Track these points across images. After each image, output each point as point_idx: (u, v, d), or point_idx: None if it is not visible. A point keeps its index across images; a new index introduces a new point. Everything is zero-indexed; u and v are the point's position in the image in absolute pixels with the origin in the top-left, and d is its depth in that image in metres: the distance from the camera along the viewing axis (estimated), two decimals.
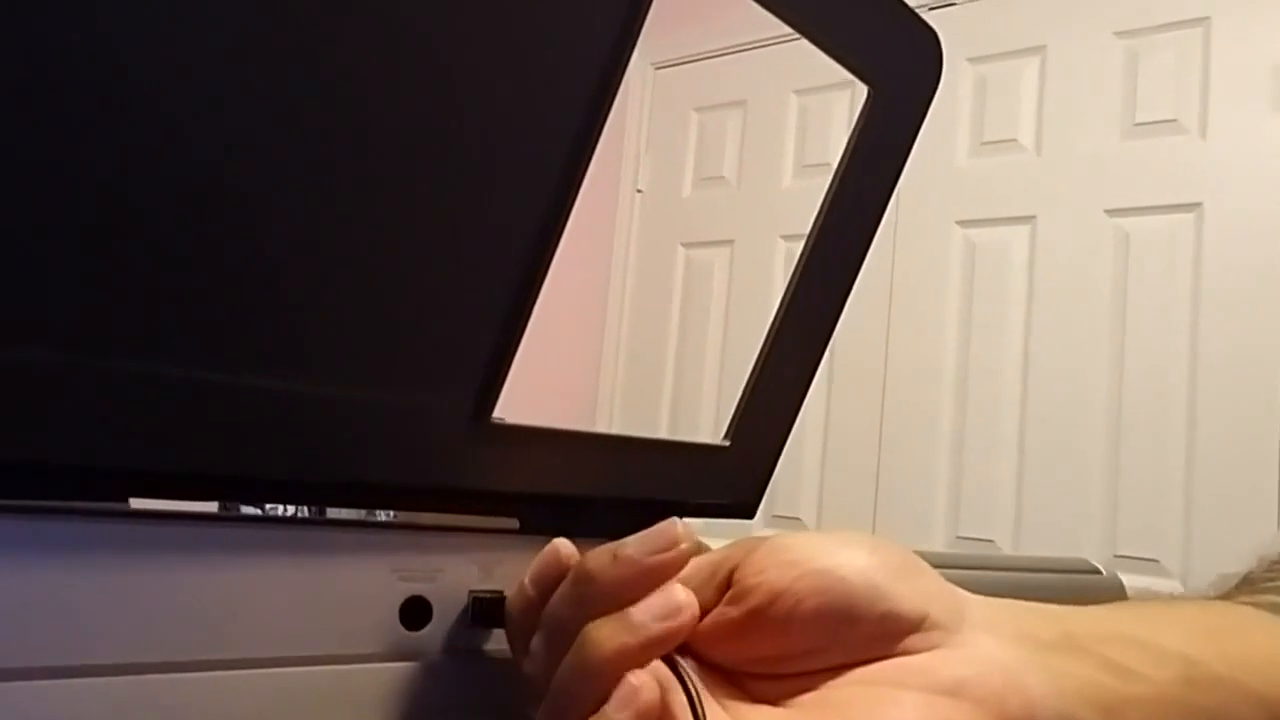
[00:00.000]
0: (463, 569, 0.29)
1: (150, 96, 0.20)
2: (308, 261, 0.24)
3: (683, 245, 2.18)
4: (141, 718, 0.22)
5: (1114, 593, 0.51)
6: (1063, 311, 1.65)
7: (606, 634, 0.24)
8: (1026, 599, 0.28)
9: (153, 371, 0.22)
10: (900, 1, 0.35)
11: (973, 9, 1.80)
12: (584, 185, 0.27)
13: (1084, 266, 1.64)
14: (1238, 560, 0.38)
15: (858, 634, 0.25)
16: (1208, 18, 1.57)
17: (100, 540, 0.23)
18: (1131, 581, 0.57)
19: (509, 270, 0.27)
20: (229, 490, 0.26)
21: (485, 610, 0.28)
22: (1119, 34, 1.65)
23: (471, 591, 0.29)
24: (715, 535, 0.34)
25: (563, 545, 0.27)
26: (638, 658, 0.24)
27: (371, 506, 0.32)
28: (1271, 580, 0.36)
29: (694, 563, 0.26)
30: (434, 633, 0.28)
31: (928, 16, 0.36)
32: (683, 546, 0.25)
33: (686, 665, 0.25)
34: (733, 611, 0.25)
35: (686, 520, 0.27)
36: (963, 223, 1.79)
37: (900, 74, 0.35)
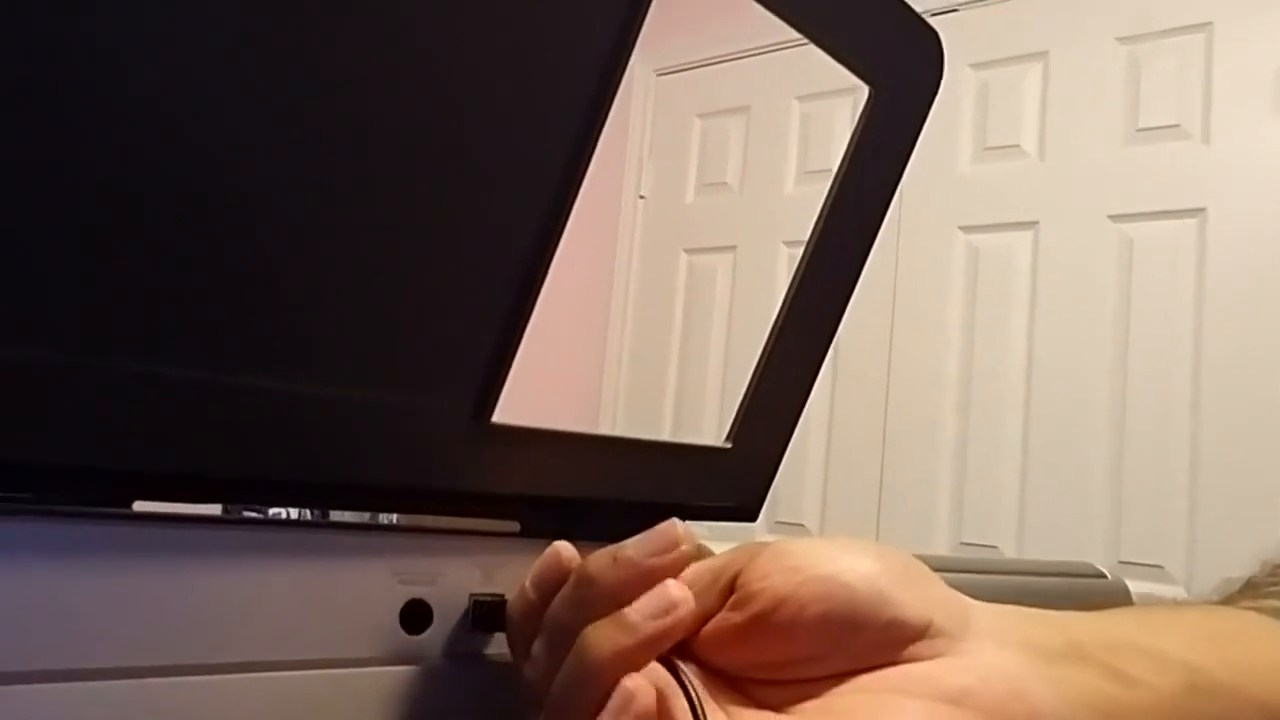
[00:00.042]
0: (463, 572, 0.29)
1: (150, 97, 0.20)
2: (309, 263, 0.24)
3: (685, 251, 2.19)
4: None
5: (1119, 597, 0.51)
6: (1066, 317, 1.65)
7: (603, 636, 0.24)
8: (1031, 603, 0.28)
9: (153, 372, 0.22)
10: (901, 1, 0.34)
11: (975, 15, 1.80)
12: (587, 191, 0.27)
13: (1087, 272, 1.63)
14: (1243, 565, 0.38)
15: (862, 641, 0.25)
16: (1210, 23, 1.57)
17: (102, 542, 0.22)
18: (1136, 587, 0.56)
19: (509, 271, 0.27)
20: (229, 492, 0.26)
21: (486, 614, 0.28)
22: (1121, 40, 1.65)
23: (472, 595, 0.29)
24: (718, 538, 0.34)
25: (564, 548, 0.27)
26: (635, 659, 0.24)
27: (371, 509, 0.32)
28: (1274, 584, 0.35)
29: (696, 568, 0.26)
30: (434, 636, 0.28)
31: (930, 21, 0.36)
32: (683, 548, 0.25)
33: (687, 669, 0.25)
34: (736, 617, 0.25)
35: (688, 523, 0.27)
36: (966, 228, 1.79)
37: (901, 74, 0.35)
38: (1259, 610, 0.32)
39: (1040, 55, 1.74)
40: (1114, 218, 1.63)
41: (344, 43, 0.22)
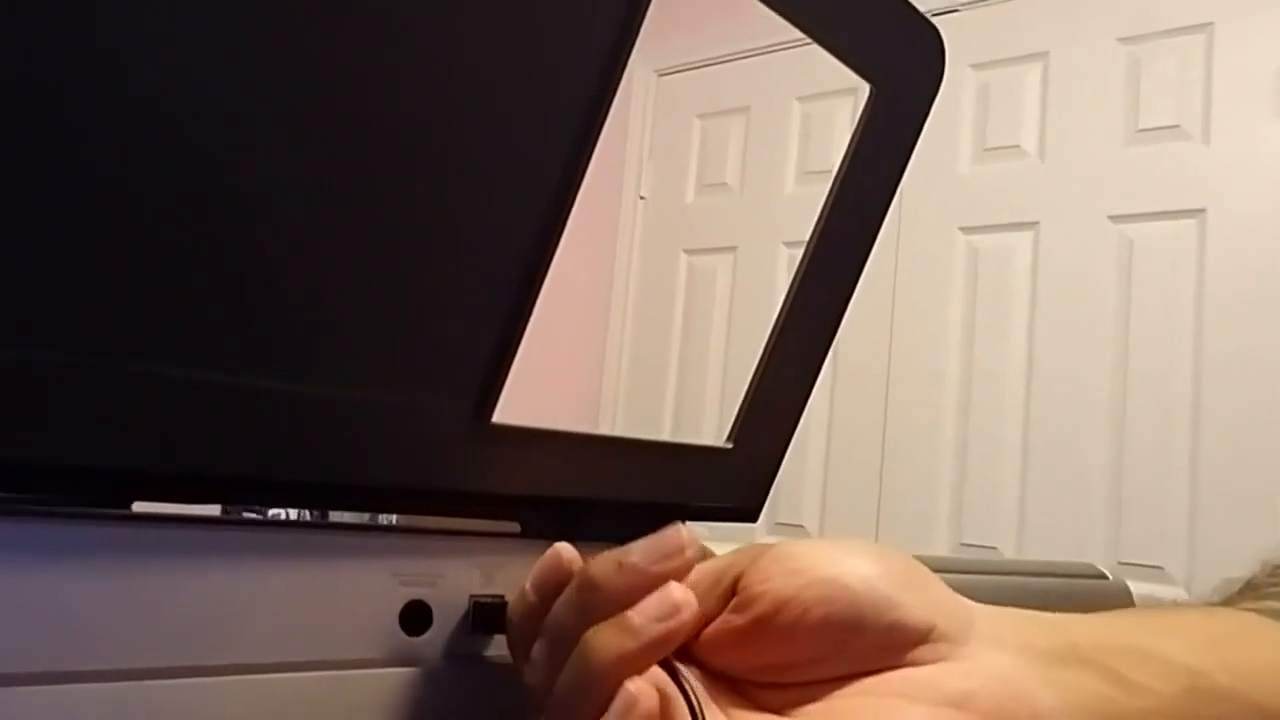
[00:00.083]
0: (463, 573, 0.28)
1: (150, 96, 0.20)
2: (309, 263, 0.24)
3: (685, 251, 2.19)
4: None
5: (1120, 598, 0.51)
6: (1066, 317, 1.65)
7: (606, 639, 0.24)
8: (1032, 604, 0.28)
9: (153, 372, 0.22)
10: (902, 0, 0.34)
11: (975, 15, 1.80)
12: (586, 191, 0.27)
13: (1087, 272, 1.63)
14: (1243, 566, 0.38)
15: (864, 644, 0.25)
16: (1210, 23, 1.57)
17: (101, 543, 0.22)
18: (1136, 588, 0.56)
19: (509, 271, 0.27)
20: (229, 492, 0.26)
21: (486, 615, 0.28)
22: (1122, 40, 1.65)
23: (472, 596, 0.28)
24: (718, 539, 0.34)
25: (564, 550, 0.27)
26: (638, 662, 0.24)
27: (372, 509, 0.32)
28: (1275, 585, 0.35)
29: (698, 569, 0.26)
30: (434, 638, 0.28)
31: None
32: (687, 554, 0.25)
33: (688, 672, 0.25)
34: (738, 619, 0.25)
35: (689, 524, 0.27)
36: (966, 229, 1.79)
37: (902, 72, 0.34)
38: (1259, 611, 0.32)
39: (1040, 55, 1.74)
40: (1114, 218, 1.63)
41: (344, 43, 0.22)
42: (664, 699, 0.24)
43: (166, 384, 0.22)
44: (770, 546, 0.26)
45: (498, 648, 0.29)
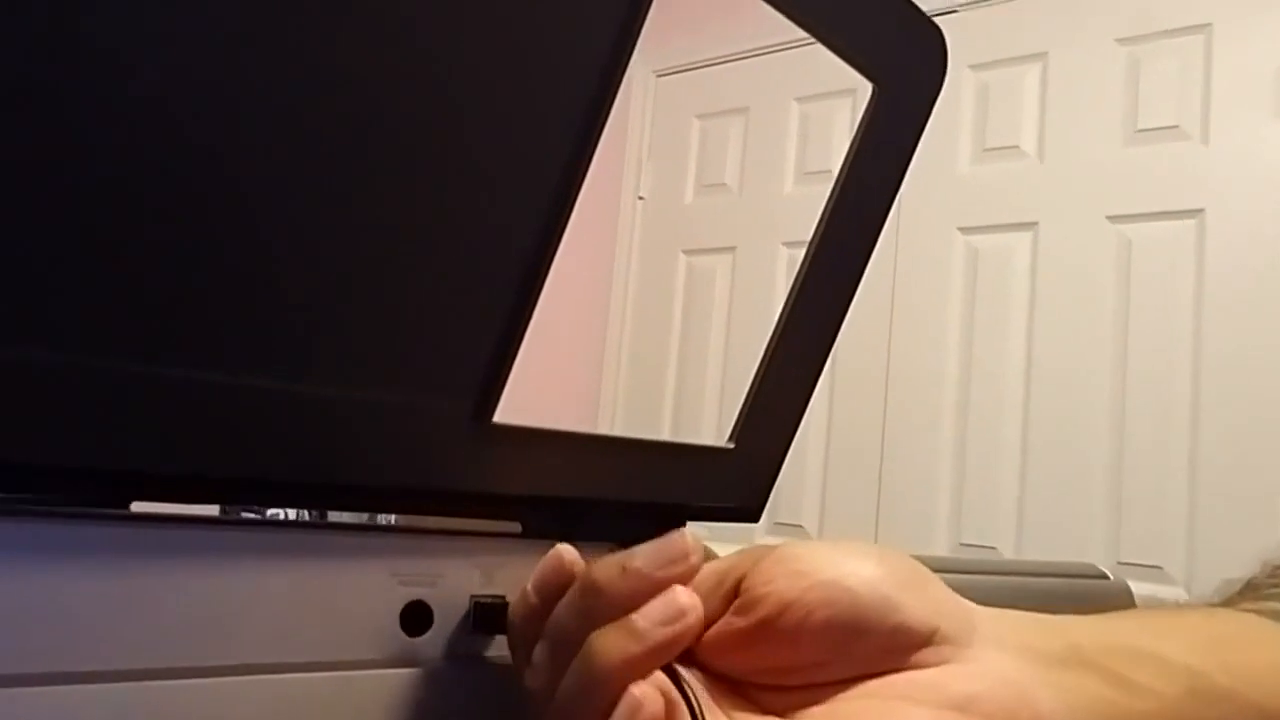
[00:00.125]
0: (464, 573, 0.28)
1: (150, 96, 0.20)
2: (309, 263, 0.24)
3: (684, 252, 2.19)
4: None
5: (1121, 598, 0.51)
6: (1065, 318, 1.65)
7: (610, 643, 0.24)
8: (1033, 604, 0.28)
9: (153, 372, 0.22)
10: None
11: (975, 15, 1.80)
12: (586, 191, 0.27)
13: (1086, 273, 1.63)
14: (1242, 566, 0.38)
15: (867, 647, 0.25)
16: (1209, 24, 1.57)
17: (99, 543, 0.22)
18: (1135, 588, 0.56)
19: (510, 271, 0.27)
20: (229, 493, 0.26)
21: (487, 616, 0.28)
22: (1121, 40, 1.65)
23: (473, 596, 0.28)
24: (717, 539, 0.34)
25: (566, 551, 0.27)
26: (643, 666, 0.23)
27: (372, 510, 0.32)
28: (1275, 585, 0.35)
29: (700, 570, 0.26)
30: (435, 638, 0.28)
31: None
32: (692, 559, 0.25)
33: (688, 675, 0.24)
34: (740, 621, 0.25)
35: (691, 524, 0.27)
36: (965, 229, 1.79)
37: (904, 71, 0.34)
38: (1259, 612, 0.32)
39: (1040, 56, 1.74)
40: (1113, 218, 1.63)
41: (344, 43, 0.22)
42: (667, 702, 0.24)
43: (166, 384, 0.22)
44: (773, 548, 0.26)
45: (498, 648, 0.28)
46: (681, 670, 0.24)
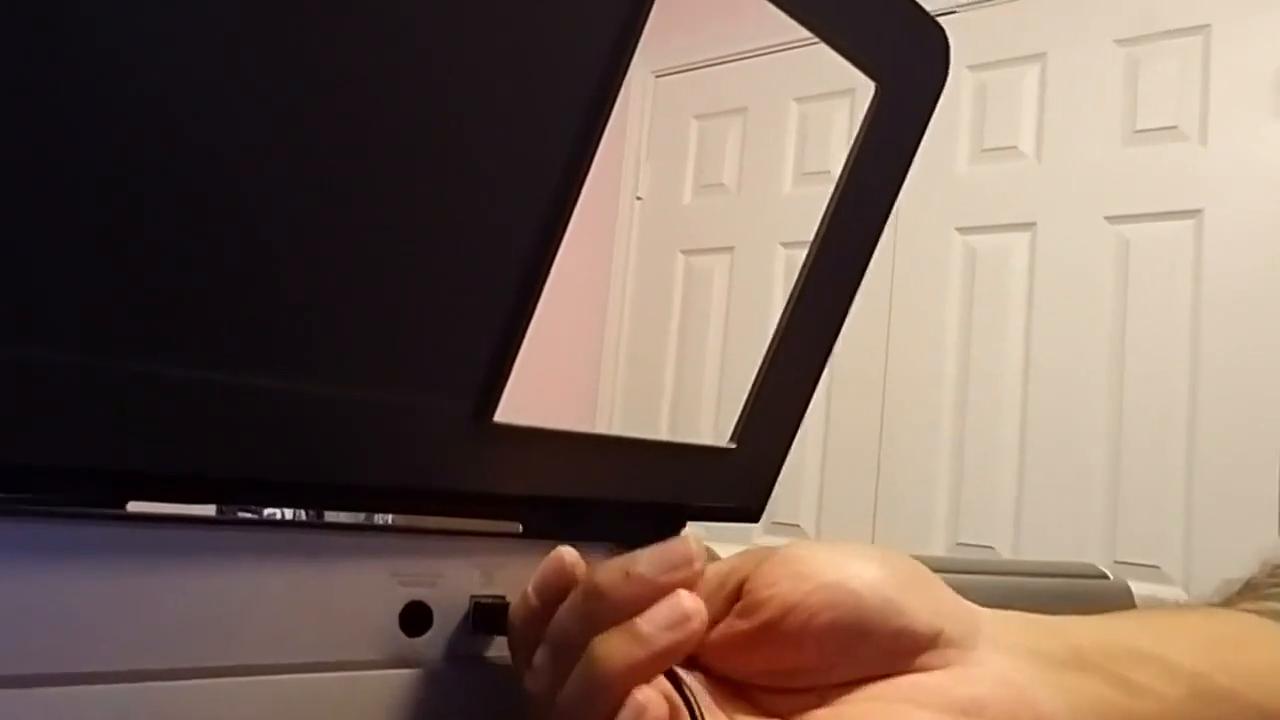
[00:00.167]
0: (464, 573, 0.28)
1: (150, 96, 0.20)
2: (309, 263, 0.24)
3: (682, 252, 2.18)
4: None
5: (1122, 598, 0.51)
6: (1063, 318, 1.65)
7: (614, 648, 0.23)
8: (1034, 604, 0.28)
9: (150, 372, 0.22)
10: None
11: (974, 16, 1.80)
12: (584, 191, 0.27)
13: (1084, 273, 1.63)
14: (1239, 566, 0.38)
15: (871, 650, 0.25)
16: (1208, 25, 1.57)
17: (95, 544, 0.22)
18: (1133, 588, 0.56)
19: (510, 271, 0.27)
20: (227, 493, 0.26)
21: (487, 616, 0.28)
22: (1119, 41, 1.65)
23: (473, 597, 0.28)
24: (715, 538, 0.34)
25: (567, 553, 0.26)
26: (647, 671, 0.23)
27: (372, 510, 0.32)
28: (1275, 585, 0.35)
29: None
30: (434, 639, 0.27)
31: None
32: (696, 565, 0.24)
33: (689, 679, 0.24)
34: (743, 624, 0.25)
35: (691, 524, 0.27)
36: (963, 229, 1.79)
37: (907, 70, 0.34)
38: (1259, 612, 0.32)
39: (1038, 57, 1.74)
40: (1111, 219, 1.63)
41: (344, 43, 0.22)
42: (673, 708, 0.24)
43: (166, 383, 0.22)
44: (775, 550, 0.26)
45: (498, 649, 0.28)
46: (682, 673, 0.24)
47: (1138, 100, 1.62)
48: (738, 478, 0.37)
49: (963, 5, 1.80)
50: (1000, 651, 0.25)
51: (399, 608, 0.27)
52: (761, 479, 0.38)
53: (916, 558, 0.27)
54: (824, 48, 0.32)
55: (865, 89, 0.34)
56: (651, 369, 2.17)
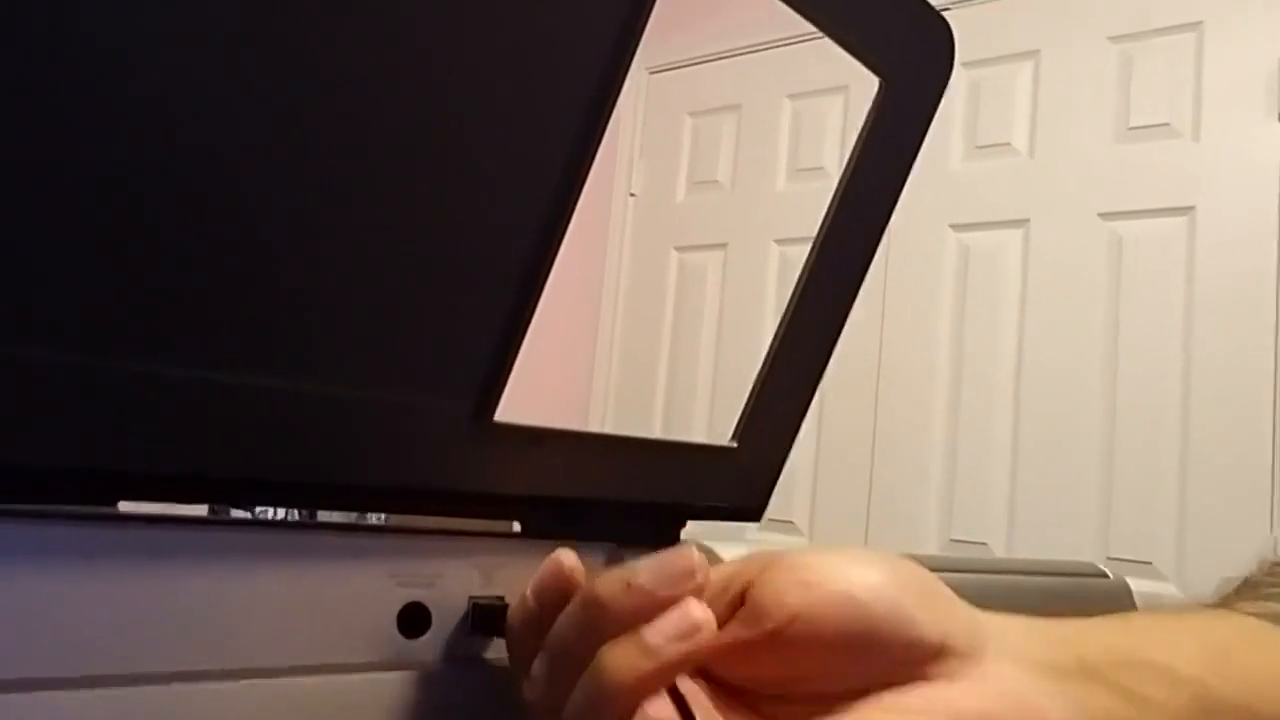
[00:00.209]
0: (462, 574, 0.28)
1: (150, 96, 0.20)
2: (309, 262, 0.24)
3: (676, 249, 2.18)
4: None
5: (1121, 596, 0.51)
6: (1056, 314, 1.65)
7: (621, 659, 0.23)
8: (1033, 604, 0.28)
9: (150, 371, 0.22)
10: None
11: (967, 13, 1.80)
12: None
13: (1077, 270, 1.64)
14: (1231, 562, 0.38)
15: (877, 659, 0.24)
16: (1201, 22, 1.58)
17: (85, 545, 0.22)
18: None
19: (511, 270, 0.27)
20: (227, 493, 0.26)
21: (486, 617, 0.28)
22: (1112, 38, 1.66)
23: (472, 598, 0.28)
24: (712, 537, 0.33)
25: (566, 557, 0.26)
26: (656, 683, 0.23)
27: (371, 510, 0.32)
28: (1273, 585, 0.35)
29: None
30: (433, 640, 0.27)
31: None
32: (697, 576, 0.24)
33: (691, 688, 0.24)
34: (747, 632, 0.24)
35: (691, 523, 0.27)
36: (956, 226, 1.79)
37: (912, 66, 0.34)
38: (1260, 614, 0.32)
39: (1031, 54, 1.74)
40: (1104, 216, 1.63)
41: (344, 43, 0.22)
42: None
43: (165, 383, 0.22)
44: (780, 556, 0.25)
45: (497, 650, 0.28)
46: (684, 685, 0.24)
47: (1131, 97, 1.63)
48: (738, 477, 0.37)
49: (956, 2, 1.80)
50: (1006, 662, 0.25)
51: (397, 609, 0.27)
52: (762, 478, 0.38)
53: (916, 557, 0.27)
54: (818, 45, 0.32)
55: (860, 86, 0.34)
56: (645, 366, 2.17)
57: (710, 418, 2.02)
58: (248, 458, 0.24)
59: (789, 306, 0.35)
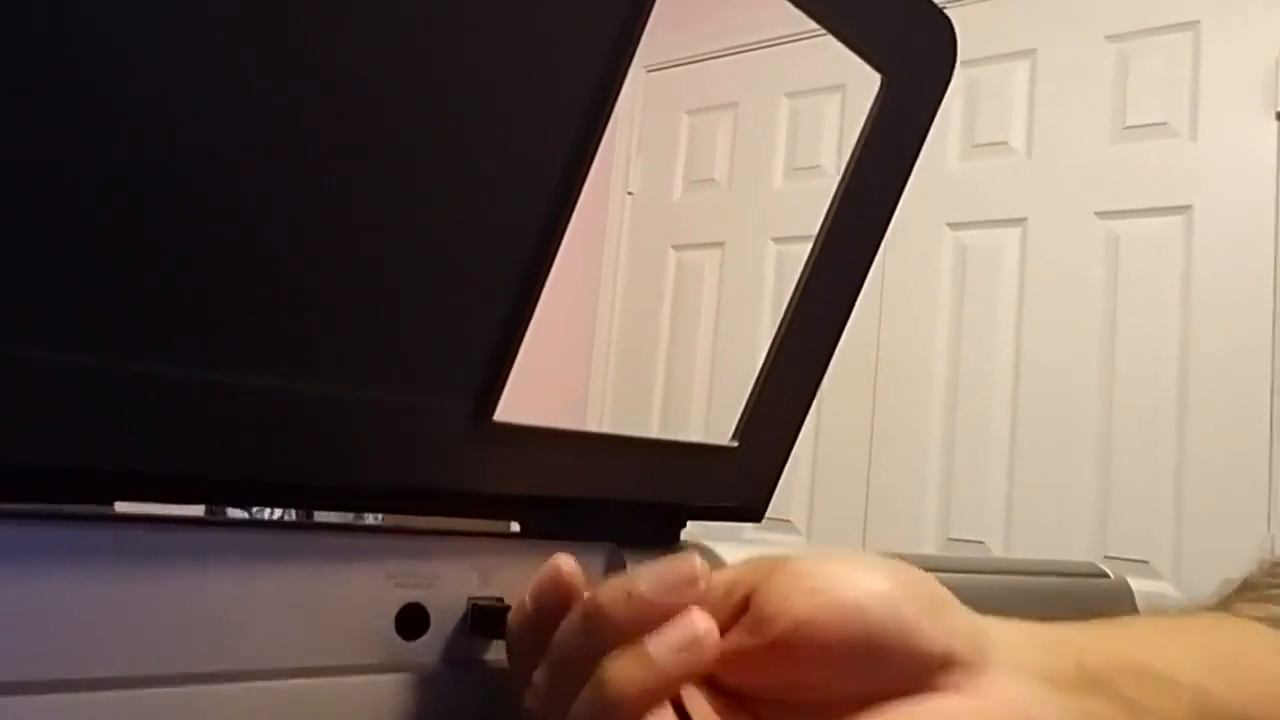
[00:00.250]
0: (461, 575, 0.28)
1: (151, 96, 0.20)
2: (308, 262, 0.24)
3: (673, 247, 2.18)
4: None
5: (1122, 597, 0.51)
6: (1053, 313, 1.65)
7: (624, 670, 0.23)
8: (1034, 604, 0.28)
9: (150, 371, 0.22)
10: None
11: (964, 12, 1.80)
12: None
13: (1074, 269, 1.64)
14: (1229, 561, 0.38)
15: (881, 670, 0.24)
16: (1197, 21, 1.58)
17: (81, 546, 0.22)
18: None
19: (511, 269, 0.27)
20: (226, 493, 0.25)
21: (485, 619, 0.28)
22: (1109, 37, 1.66)
23: (471, 599, 0.28)
24: (709, 536, 0.33)
25: (564, 561, 0.26)
26: (659, 694, 0.23)
27: (371, 510, 0.32)
28: (1274, 586, 0.35)
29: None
30: (431, 642, 0.27)
31: None
32: (700, 585, 0.24)
33: (689, 691, 0.24)
34: (751, 640, 0.24)
35: (691, 524, 0.26)
36: (953, 225, 1.79)
37: (914, 62, 0.34)
38: (1262, 618, 0.32)
39: (1028, 53, 1.74)
40: (1101, 214, 1.63)
41: (344, 43, 0.22)
42: None
43: (164, 383, 0.22)
44: (784, 561, 0.25)
45: (496, 652, 0.28)
46: (684, 694, 0.24)
47: (1128, 96, 1.63)
48: (739, 477, 0.37)
49: (952, 1, 1.80)
50: (1010, 673, 0.25)
51: (395, 610, 0.26)
52: (763, 478, 0.37)
53: (916, 558, 0.26)
54: (816, 43, 0.32)
55: (858, 84, 0.34)
56: (642, 364, 2.17)
57: (708, 416, 2.02)
58: (247, 458, 0.24)
59: (790, 304, 0.35)
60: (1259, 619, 0.32)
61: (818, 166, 1.96)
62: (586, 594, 0.25)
